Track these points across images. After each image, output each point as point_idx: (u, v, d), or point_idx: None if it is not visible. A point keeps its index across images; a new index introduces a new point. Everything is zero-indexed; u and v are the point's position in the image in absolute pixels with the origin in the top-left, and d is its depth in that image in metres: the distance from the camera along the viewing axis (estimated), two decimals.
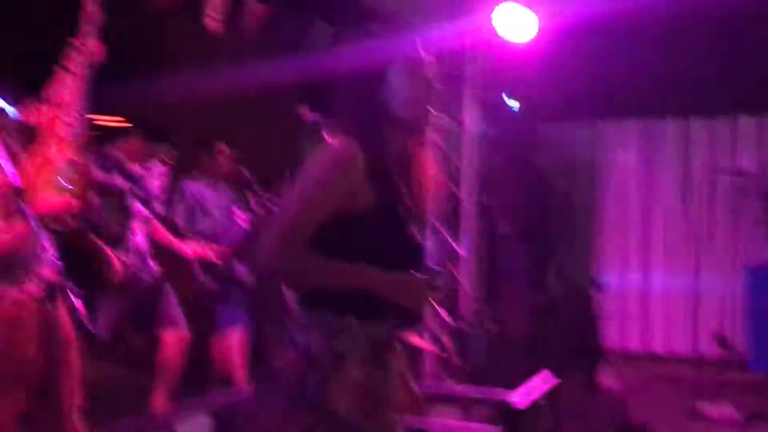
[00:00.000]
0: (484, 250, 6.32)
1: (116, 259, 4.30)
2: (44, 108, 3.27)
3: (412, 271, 1.95)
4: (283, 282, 2.01)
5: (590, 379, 7.55)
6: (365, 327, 1.96)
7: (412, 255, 2.05)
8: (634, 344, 8.39)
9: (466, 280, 5.97)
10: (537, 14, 5.90)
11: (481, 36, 5.90)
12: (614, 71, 7.48)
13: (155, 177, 4.89)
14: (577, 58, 6.79)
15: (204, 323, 5.39)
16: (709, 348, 7.61)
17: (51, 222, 3.07)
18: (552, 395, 2.97)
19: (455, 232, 6.14)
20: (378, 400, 1.96)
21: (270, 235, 1.90)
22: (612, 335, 8.41)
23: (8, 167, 2.72)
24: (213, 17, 4.95)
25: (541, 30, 5.94)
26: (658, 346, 8.32)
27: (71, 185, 3.19)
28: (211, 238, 5.56)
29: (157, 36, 6.68)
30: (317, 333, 1.93)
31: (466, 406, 5.23)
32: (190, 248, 5.24)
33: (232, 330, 5.61)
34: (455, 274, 6.04)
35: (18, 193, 2.70)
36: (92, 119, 3.66)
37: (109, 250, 4.27)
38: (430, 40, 5.74)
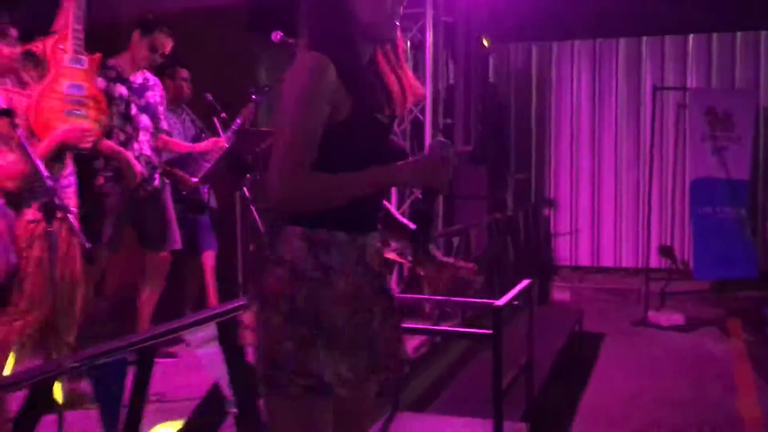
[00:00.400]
0: None
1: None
2: (45, 38, 3.33)
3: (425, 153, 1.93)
4: (304, 209, 1.90)
5: (544, 292, 7.87)
6: (353, 240, 1.96)
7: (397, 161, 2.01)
8: (585, 259, 8.68)
9: None
10: None
11: None
12: None
13: (152, 88, 4.91)
14: None
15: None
16: (656, 260, 7.95)
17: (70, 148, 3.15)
18: (525, 295, 3.16)
19: (415, 152, 6.26)
20: (370, 309, 1.99)
21: (276, 169, 1.84)
22: (564, 250, 8.72)
23: None
24: None
25: None
26: (607, 259, 8.62)
27: (80, 109, 3.26)
28: (177, 164, 5.61)
29: None
30: (304, 248, 1.91)
31: (434, 317, 5.46)
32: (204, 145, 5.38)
33: (204, 253, 5.74)
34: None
35: (8, 117, 2.76)
36: None
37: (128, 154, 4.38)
38: None
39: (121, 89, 4.66)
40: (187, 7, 6.47)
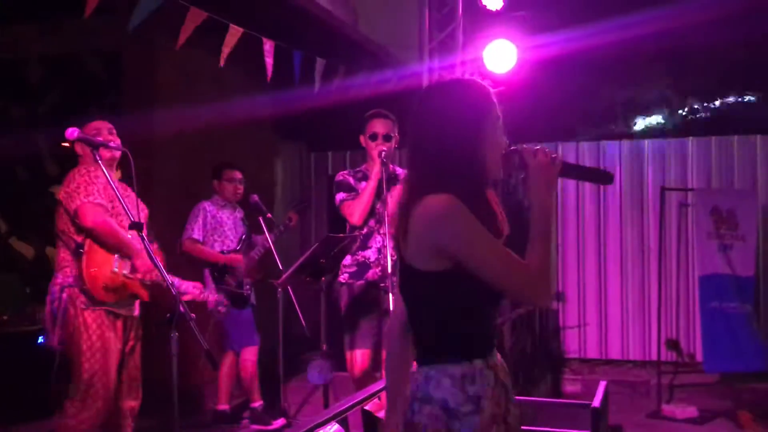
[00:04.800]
0: None
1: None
2: None
3: None
4: (550, 282, 2.08)
5: (556, 384, 8.03)
6: (488, 363, 2.10)
7: None
8: (593, 351, 8.88)
9: None
10: (516, 47, 6.40)
11: (468, 69, 6.32)
12: (573, 98, 8.08)
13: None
14: (547, 86, 7.35)
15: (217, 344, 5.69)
16: (663, 353, 8.15)
17: None
18: (605, 399, 3.35)
19: None
20: (514, 422, 2.15)
21: (517, 288, 2.02)
22: (573, 343, 8.92)
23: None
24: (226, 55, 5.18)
25: (519, 61, 6.43)
26: (615, 352, 8.82)
27: None
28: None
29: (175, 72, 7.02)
30: (450, 385, 2.04)
31: None
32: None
33: (247, 349, 5.91)
34: None
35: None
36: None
37: None
38: (421, 73, 6.15)
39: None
40: (222, 120, 6.95)
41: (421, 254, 2.08)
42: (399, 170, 4.88)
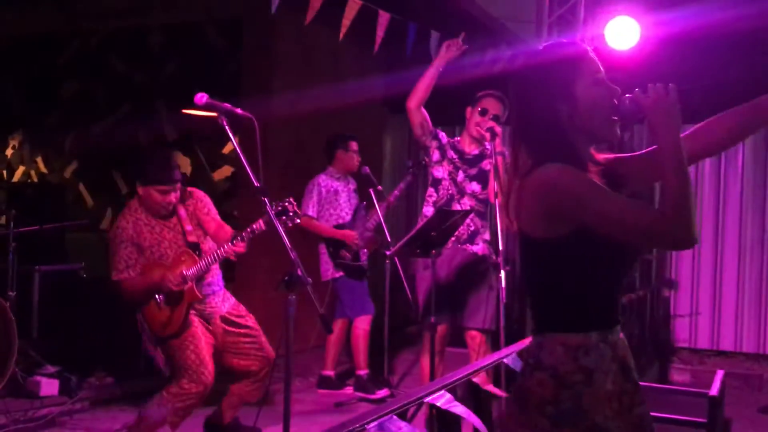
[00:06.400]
0: None
1: None
2: None
3: None
4: (691, 215, 1.89)
5: (663, 373, 7.83)
6: (606, 338, 2.03)
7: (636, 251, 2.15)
8: (704, 341, 8.59)
9: None
10: (639, 24, 6.19)
11: (590, 45, 6.15)
12: (698, 77, 7.75)
13: None
14: (671, 65, 7.08)
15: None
16: None
17: None
18: (722, 388, 3.25)
19: None
20: (629, 402, 2.05)
21: (649, 234, 1.92)
22: (683, 332, 8.66)
23: None
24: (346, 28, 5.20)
25: (642, 38, 6.21)
26: (727, 343, 8.51)
27: None
28: (338, 227, 6.03)
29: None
30: (564, 353, 2.01)
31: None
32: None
33: (361, 318, 6.01)
34: None
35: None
36: None
37: None
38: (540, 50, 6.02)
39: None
40: (335, 93, 7.02)
41: (538, 223, 2.05)
42: (488, 146, 4.81)
